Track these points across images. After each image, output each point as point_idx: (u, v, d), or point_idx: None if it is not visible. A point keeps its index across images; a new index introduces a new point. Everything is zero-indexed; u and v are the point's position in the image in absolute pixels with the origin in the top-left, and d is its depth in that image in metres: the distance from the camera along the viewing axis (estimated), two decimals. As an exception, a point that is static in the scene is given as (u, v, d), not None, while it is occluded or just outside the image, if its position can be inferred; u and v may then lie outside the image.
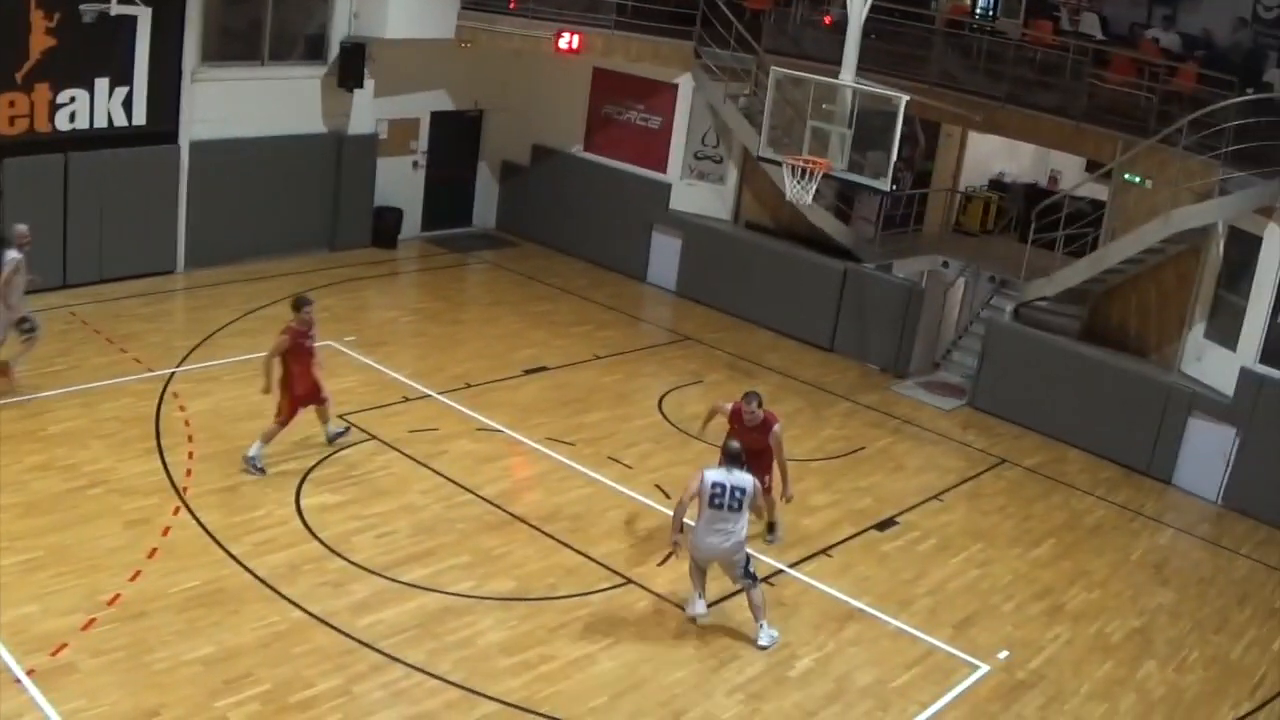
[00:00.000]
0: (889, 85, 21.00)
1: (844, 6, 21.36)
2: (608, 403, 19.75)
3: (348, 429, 17.25)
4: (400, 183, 26.70)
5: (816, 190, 20.88)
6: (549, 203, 27.85)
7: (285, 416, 16.05)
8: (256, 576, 13.38)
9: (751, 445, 14.69)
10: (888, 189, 20.95)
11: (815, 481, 17.91)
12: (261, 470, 15.79)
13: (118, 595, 12.62)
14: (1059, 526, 17.53)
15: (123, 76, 21.12)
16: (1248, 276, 19.00)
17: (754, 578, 13.47)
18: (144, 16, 20.92)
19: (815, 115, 20.92)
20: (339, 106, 24.66)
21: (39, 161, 20.35)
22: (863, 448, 19.35)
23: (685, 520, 13.13)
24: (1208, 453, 19.15)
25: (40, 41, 19.88)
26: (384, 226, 26.25)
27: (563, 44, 24.53)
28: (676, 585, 14.40)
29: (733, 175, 25.70)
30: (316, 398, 16.47)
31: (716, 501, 12.95)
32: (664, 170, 26.12)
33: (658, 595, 14.19)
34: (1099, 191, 22.94)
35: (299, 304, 16.10)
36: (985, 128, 22.75)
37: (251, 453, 15.86)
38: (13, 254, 16.48)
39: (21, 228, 16.88)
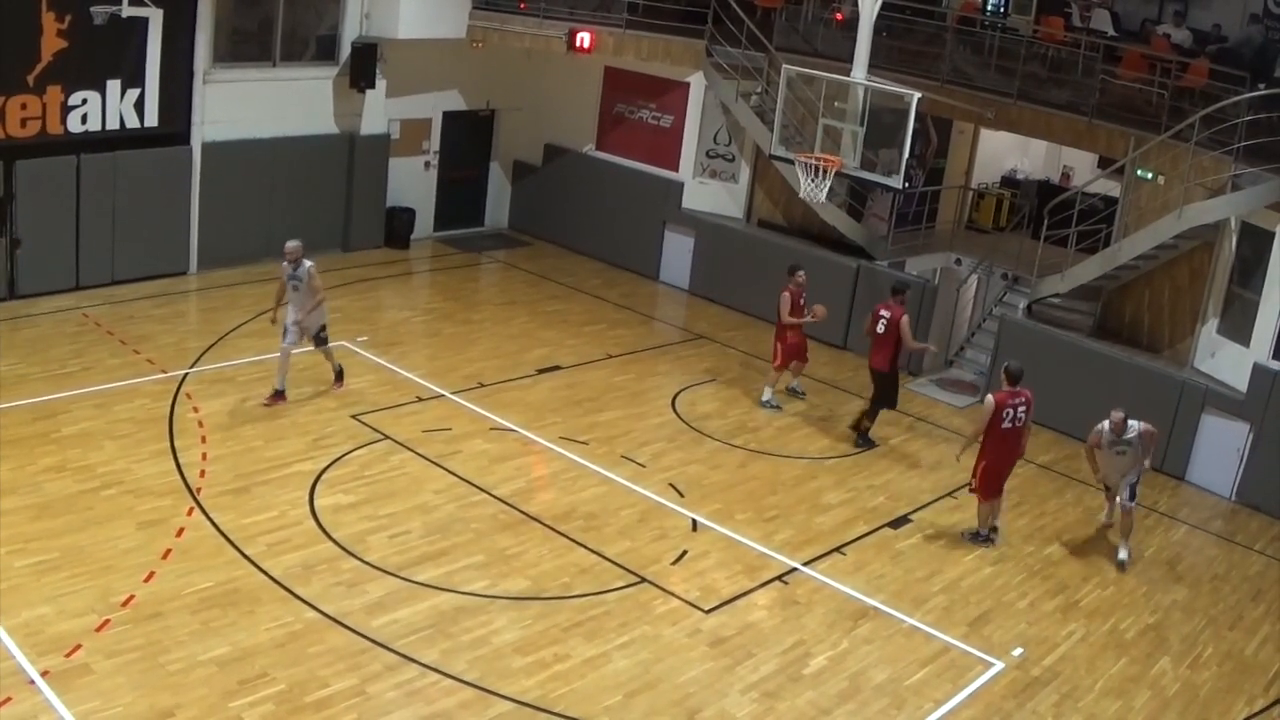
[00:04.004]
0: (901, 82, 21.04)
1: (855, 4, 21.38)
2: (621, 402, 19.76)
3: (803, 394, 20.82)
4: (412, 183, 26.73)
5: (829, 188, 20.87)
6: (561, 202, 27.87)
7: (780, 362, 20.18)
8: (271, 577, 13.41)
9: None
10: (900, 186, 20.99)
11: (828, 479, 17.91)
12: (778, 407, 20.15)
13: (132, 596, 12.66)
14: (1073, 523, 17.50)
15: (134, 78, 21.16)
16: (1260, 272, 18.95)
17: None
18: (155, 18, 20.93)
19: (827, 113, 20.97)
20: (351, 107, 24.69)
21: (51, 163, 20.41)
22: (876, 445, 19.32)
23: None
24: (1221, 449, 19.11)
25: (51, 44, 19.92)
26: (396, 227, 26.29)
27: (574, 43, 24.53)
28: (690, 584, 14.44)
29: (745, 173, 25.69)
30: (801, 355, 20.33)
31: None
32: (676, 169, 26.11)
33: (672, 594, 14.19)
34: (1111, 188, 22.88)
35: (794, 269, 20.01)
36: (997, 124, 22.71)
37: (765, 397, 20.27)
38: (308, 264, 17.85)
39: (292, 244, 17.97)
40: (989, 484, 16.16)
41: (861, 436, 19.28)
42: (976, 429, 16.23)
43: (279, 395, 17.88)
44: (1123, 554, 16.33)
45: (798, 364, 20.61)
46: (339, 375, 18.68)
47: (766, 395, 20.35)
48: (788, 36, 25.14)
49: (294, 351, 17.86)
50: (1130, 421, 15.85)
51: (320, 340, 18.19)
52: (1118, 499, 16.42)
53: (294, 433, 16.98)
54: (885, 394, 19.24)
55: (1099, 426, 16.01)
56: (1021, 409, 15.95)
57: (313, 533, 14.46)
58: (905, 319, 18.66)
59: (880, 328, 18.75)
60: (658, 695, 12.35)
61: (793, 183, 21.69)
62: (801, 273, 20.03)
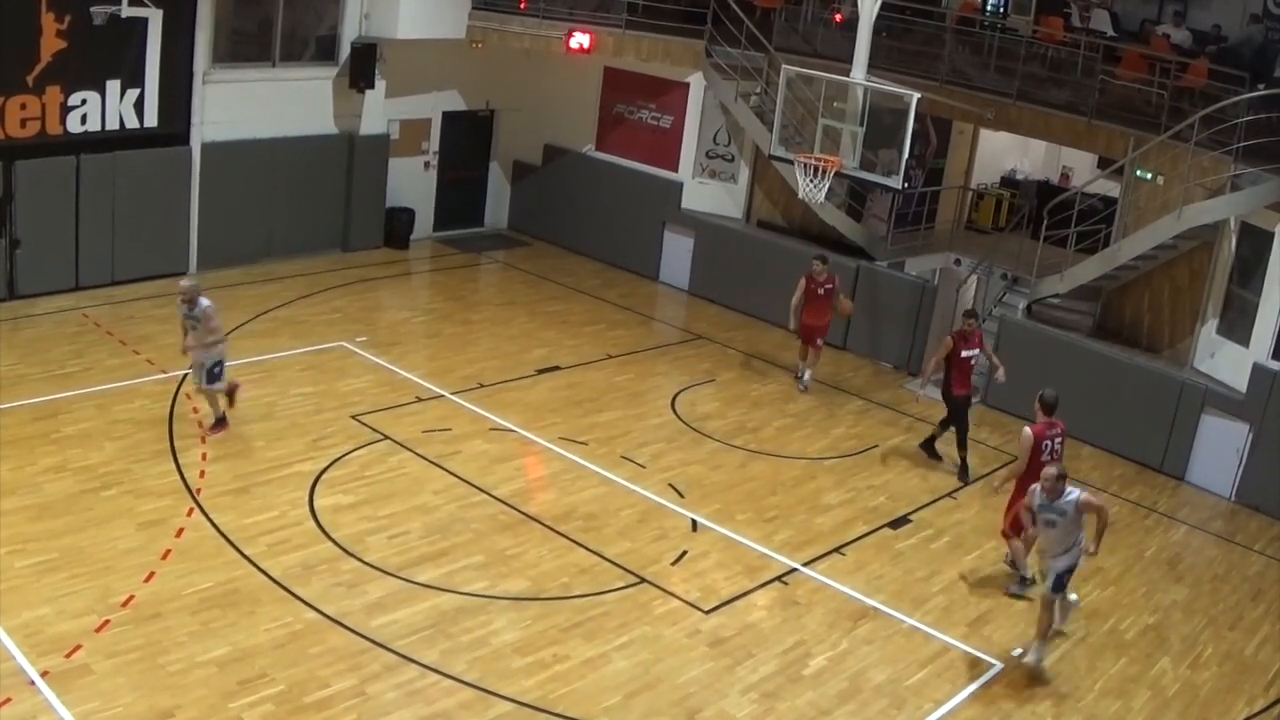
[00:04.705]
0: (900, 83, 21.03)
1: (855, 4, 21.38)
2: (620, 402, 19.76)
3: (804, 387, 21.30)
4: (412, 183, 26.73)
5: (828, 188, 20.88)
6: (561, 202, 27.87)
7: (803, 341, 21.07)
8: (270, 578, 13.40)
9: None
10: (899, 187, 20.99)
11: (828, 480, 17.91)
12: (805, 387, 21.14)
13: (132, 597, 12.66)
14: (1072, 524, 17.49)
15: (134, 78, 21.16)
16: (1260, 272, 18.95)
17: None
18: (155, 18, 20.94)
19: (827, 113, 20.98)
20: (350, 107, 24.69)
21: (50, 164, 20.40)
22: (875, 446, 19.34)
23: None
24: (1221, 449, 19.11)
25: (51, 44, 19.91)
26: (396, 227, 26.28)
27: (573, 44, 24.56)
28: (690, 584, 14.44)
29: (744, 174, 25.69)
30: (812, 339, 20.90)
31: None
32: (676, 169, 26.10)
33: (671, 594, 14.19)
34: (1111, 188, 22.87)
35: (815, 258, 20.82)
36: (997, 125, 22.70)
37: (804, 378, 21.25)
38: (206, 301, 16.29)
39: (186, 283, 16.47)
40: (1019, 522, 14.87)
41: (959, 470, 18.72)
42: (1017, 465, 14.97)
43: (221, 423, 16.77)
44: (1030, 656, 13.55)
45: (813, 353, 21.13)
46: (219, 421, 16.77)
47: (805, 376, 21.31)
48: (787, 37, 25.13)
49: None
50: (1070, 487, 13.30)
51: (212, 376, 16.48)
52: (1043, 587, 13.76)
53: (293, 433, 16.98)
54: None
55: (1032, 487, 13.63)
56: (1059, 441, 15.03)
57: (312, 533, 14.46)
58: (947, 340, 18.49)
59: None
60: (657, 696, 12.35)
61: (792, 183, 21.68)
62: (817, 263, 20.70)
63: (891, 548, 16.14)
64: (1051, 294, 21.63)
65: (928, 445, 19.00)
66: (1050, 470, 13.30)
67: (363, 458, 16.56)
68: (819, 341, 21.13)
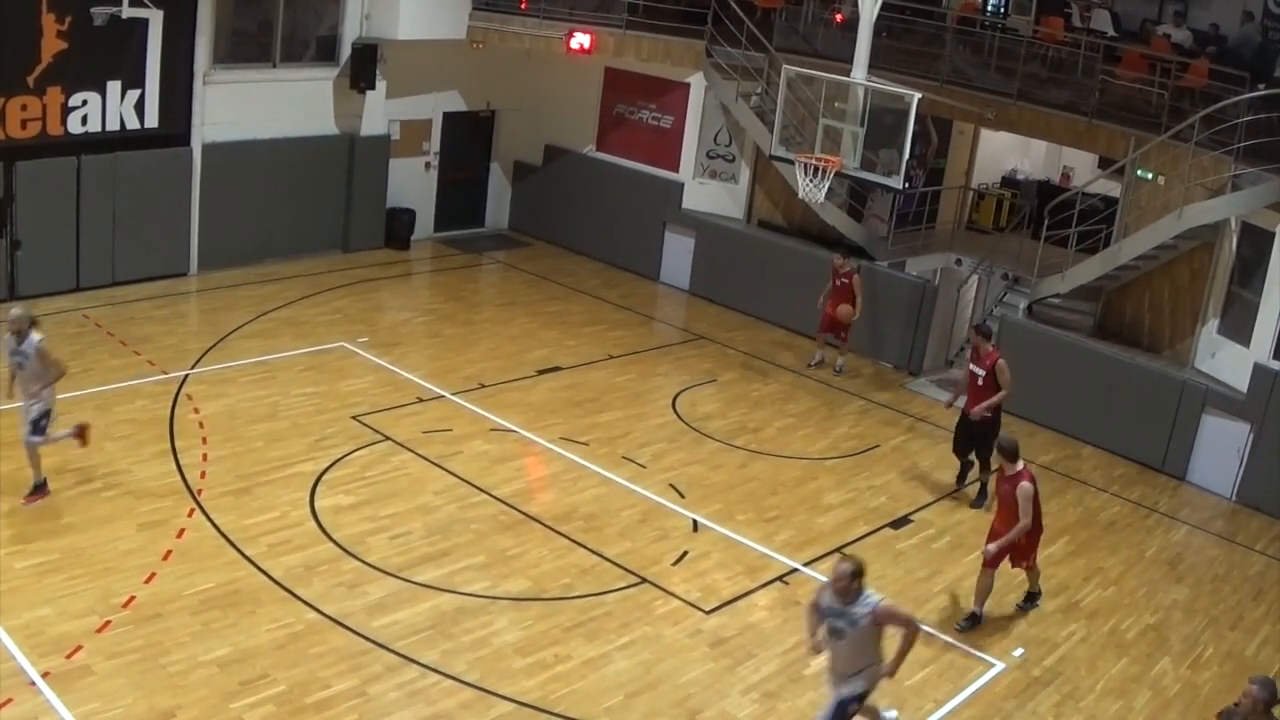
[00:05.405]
0: (901, 83, 21.01)
1: (855, 4, 21.38)
2: (621, 402, 19.76)
3: (826, 364, 22.39)
4: (413, 184, 26.73)
5: (829, 188, 20.87)
6: (561, 203, 27.87)
7: (820, 329, 22.11)
8: (271, 578, 13.40)
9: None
10: (900, 187, 20.97)
11: (829, 480, 17.90)
12: (819, 364, 22.28)
13: (132, 597, 12.66)
14: (1073, 524, 17.50)
15: (134, 79, 21.16)
16: (1261, 272, 18.95)
17: None
18: (155, 19, 20.93)
19: (827, 113, 20.96)
20: (351, 108, 24.69)
21: (51, 165, 20.40)
22: (876, 446, 19.34)
23: None
24: (1222, 449, 19.10)
25: (52, 45, 19.91)
26: (397, 227, 26.28)
27: (574, 44, 24.57)
28: (691, 585, 14.43)
29: (745, 174, 25.68)
30: (833, 328, 21.90)
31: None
32: (676, 169, 26.10)
33: (672, 595, 14.19)
34: (1111, 188, 22.87)
35: (838, 255, 21.73)
36: (997, 125, 22.70)
37: (816, 359, 22.38)
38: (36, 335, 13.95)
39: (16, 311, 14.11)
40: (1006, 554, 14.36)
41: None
42: (1022, 525, 13.86)
43: (40, 490, 14.34)
44: None
45: (834, 338, 22.15)
46: (38, 487, 14.28)
47: (815, 358, 22.42)
48: (788, 37, 25.13)
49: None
50: (869, 590, 10.53)
51: (37, 428, 14.12)
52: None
53: (295, 434, 16.98)
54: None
55: (821, 587, 11.03)
56: None
57: (313, 534, 14.46)
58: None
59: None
60: (658, 696, 12.35)
61: (792, 183, 21.68)
62: (837, 257, 21.70)
63: (892, 548, 16.14)
64: (1052, 294, 21.62)
65: (981, 492, 18.06)
66: (844, 566, 10.46)
67: (364, 458, 16.56)
68: (841, 333, 22.01)
